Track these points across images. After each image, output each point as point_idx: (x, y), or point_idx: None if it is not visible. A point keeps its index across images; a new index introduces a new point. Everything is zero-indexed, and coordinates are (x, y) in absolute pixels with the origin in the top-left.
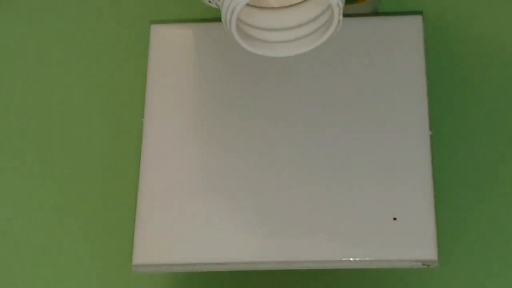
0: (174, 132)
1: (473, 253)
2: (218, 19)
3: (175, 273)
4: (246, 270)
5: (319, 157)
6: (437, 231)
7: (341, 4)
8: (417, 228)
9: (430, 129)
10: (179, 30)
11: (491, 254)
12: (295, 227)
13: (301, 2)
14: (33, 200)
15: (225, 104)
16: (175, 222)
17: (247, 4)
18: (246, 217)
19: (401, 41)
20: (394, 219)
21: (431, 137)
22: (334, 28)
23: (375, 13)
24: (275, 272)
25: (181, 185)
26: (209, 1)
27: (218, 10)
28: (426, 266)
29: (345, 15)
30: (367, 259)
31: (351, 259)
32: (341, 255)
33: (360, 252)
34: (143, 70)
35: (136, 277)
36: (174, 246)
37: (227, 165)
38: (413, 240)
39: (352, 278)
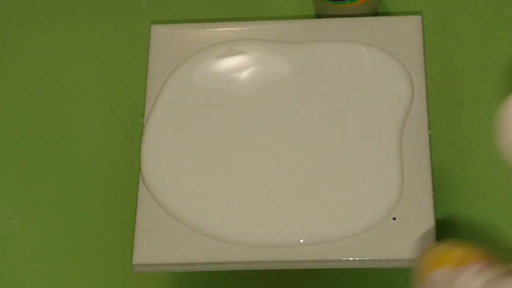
0: (174, 132)
1: None
2: (218, 20)
3: (175, 272)
4: (246, 270)
5: (318, 157)
6: (436, 231)
7: None
8: (417, 228)
9: (430, 129)
10: (179, 30)
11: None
12: (295, 227)
13: None
14: (33, 200)
15: (225, 104)
16: (175, 222)
17: None
18: (246, 217)
19: (401, 41)
20: (394, 219)
21: (431, 137)
22: None
23: (375, 13)
24: (276, 272)
25: (181, 185)
26: None
27: (216, 10)
28: None
29: (345, 15)
30: (366, 259)
31: (350, 259)
32: (341, 255)
33: (359, 252)
34: (143, 70)
35: (136, 276)
36: (174, 245)
37: (227, 165)
38: (413, 240)
39: (352, 278)
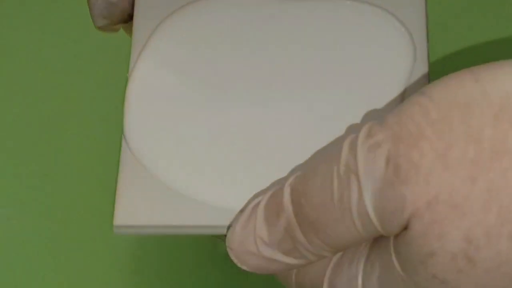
0: (160, 88)
1: None
2: None
3: (160, 235)
4: None
5: (314, 124)
6: None
7: None
8: None
9: None
10: None
11: None
12: None
13: None
14: (33, 200)
15: (214, 60)
16: (160, 183)
17: None
18: (237, 180)
19: None
20: None
21: None
22: None
23: None
24: None
25: (167, 145)
26: None
27: None
28: None
29: None
30: None
31: None
32: None
33: None
34: None
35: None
36: (158, 207)
37: (217, 124)
38: None
39: None
